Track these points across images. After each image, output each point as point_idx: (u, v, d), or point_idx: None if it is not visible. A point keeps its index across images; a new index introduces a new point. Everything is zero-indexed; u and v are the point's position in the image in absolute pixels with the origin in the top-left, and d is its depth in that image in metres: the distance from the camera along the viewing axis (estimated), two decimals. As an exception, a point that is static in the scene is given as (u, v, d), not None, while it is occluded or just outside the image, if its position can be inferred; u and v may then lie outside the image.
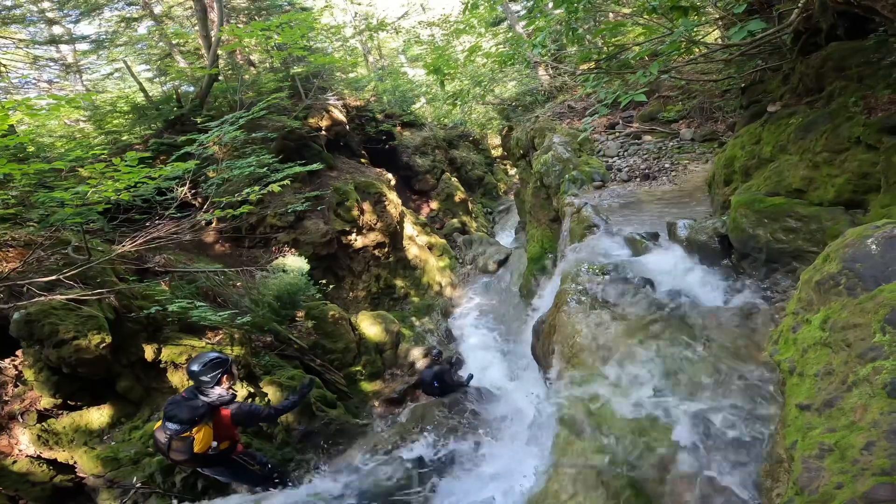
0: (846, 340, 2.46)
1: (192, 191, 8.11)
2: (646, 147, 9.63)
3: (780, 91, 5.81)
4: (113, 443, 5.95)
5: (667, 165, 8.79)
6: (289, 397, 5.46)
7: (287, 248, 10.76)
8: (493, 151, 27.19)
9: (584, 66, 7.23)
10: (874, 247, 2.62)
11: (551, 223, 10.40)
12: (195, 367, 4.80)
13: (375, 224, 13.09)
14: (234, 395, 5.08)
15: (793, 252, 4.43)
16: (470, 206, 19.84)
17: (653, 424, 3.52)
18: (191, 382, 4.88)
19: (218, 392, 4.81)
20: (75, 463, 5.80)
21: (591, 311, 4.64)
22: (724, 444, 3.39)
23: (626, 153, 9.73)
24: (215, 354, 4.96)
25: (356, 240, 12.60)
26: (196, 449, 4.61)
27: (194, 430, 4.60)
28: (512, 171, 26.39)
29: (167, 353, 6.51)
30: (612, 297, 4.77)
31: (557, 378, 4.41)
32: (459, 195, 19.31)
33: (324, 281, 10.37)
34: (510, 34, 16.76)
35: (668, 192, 8.03)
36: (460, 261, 15.94)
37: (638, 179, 8.68)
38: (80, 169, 7.91)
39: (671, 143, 9.52)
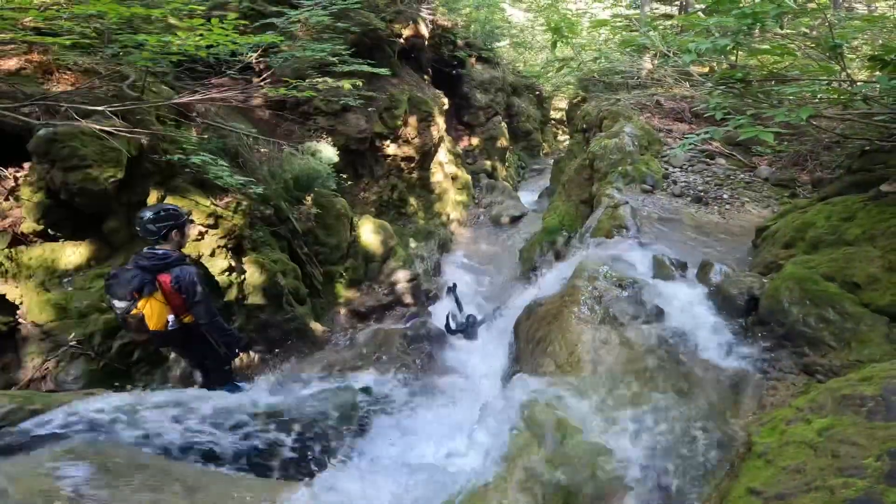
0: (836, 452, 2.45)
1: (260, 58, 8.23)
2: (714, 170, 9.10)
3: (902, 172, 5.19)
4: (70, 289, 5.68)
5: (725, 196, 8.29)
6: (234, 331, 5.13)
7: (324, 135, 10.47)
8: (552, 113, 26.32)
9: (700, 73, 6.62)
10: (922, 385, 2.55)
11: (581, 204, 10.10)
12: (146, 214, 4.43)
13: (413, 139, 12.83)
14: (184, 257, 4.72)
15: (811, 339, 4.16)
16: (508, 154, 19.33)
17: (611, 456, 3.37)
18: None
19: (162, 250, 4.43)
20: (21, 303, 5.58)
21: (600, 326, 4.42)
22: (669, 497, 3.26)
23: (690, 168, 9.21)
24: (172, 206, 4.63)
25: (389, 146, 12.43)
26: (151, 326, 4.27)
27: (140, 304, 4.24)
28: (562, 138, 25.70)
29: (170, 203, 6.23)
30: (623, 316, 4.55)
31: (541, 374, 4.26)
32: (502, 141, 18.76)
33: (344, 175, 10.19)
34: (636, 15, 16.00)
35: (712, 222, 7.64)
36: (476, 202, 15.66)
37: (689, 198, 8.24)
38: (171, 18, 7.58)
39: (742, 176, 8.95)
